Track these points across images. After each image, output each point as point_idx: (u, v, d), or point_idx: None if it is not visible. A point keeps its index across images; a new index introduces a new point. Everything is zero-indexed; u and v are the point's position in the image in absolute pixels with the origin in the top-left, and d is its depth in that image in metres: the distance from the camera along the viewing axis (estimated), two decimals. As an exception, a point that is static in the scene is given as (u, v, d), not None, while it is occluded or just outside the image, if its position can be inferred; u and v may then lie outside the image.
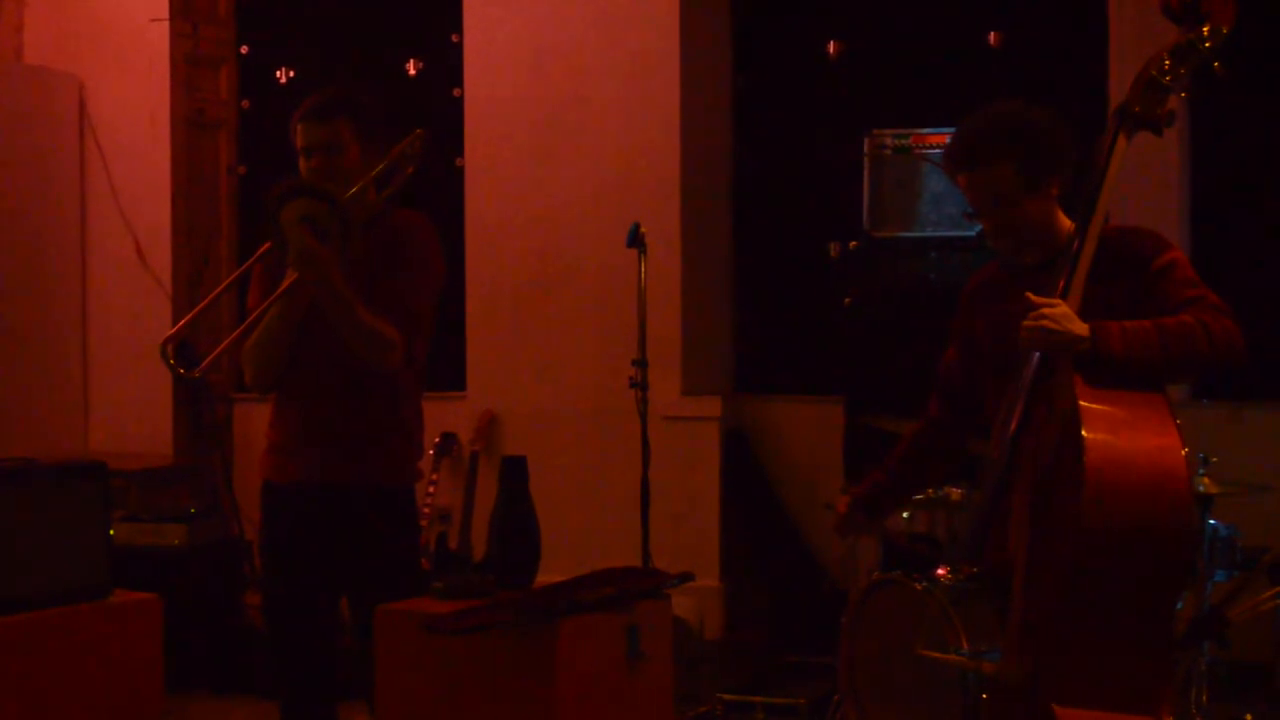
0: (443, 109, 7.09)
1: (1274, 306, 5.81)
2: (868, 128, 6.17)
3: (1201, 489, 4.73)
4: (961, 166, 3.31)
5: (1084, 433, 2.86)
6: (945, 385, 3.63)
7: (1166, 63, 3.08)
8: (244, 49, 7.63)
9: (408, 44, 7.36)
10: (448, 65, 7.18)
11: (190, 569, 6.21)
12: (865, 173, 6.13)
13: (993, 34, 6.55)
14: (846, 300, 6.31)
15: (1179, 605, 3.08)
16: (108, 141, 7.39)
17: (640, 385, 5.29)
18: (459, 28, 7.08)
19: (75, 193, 7.41)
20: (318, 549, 3.84)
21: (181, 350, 3.74)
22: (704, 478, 6.69)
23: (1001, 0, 6.61)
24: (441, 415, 6.64)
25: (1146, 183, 5.83)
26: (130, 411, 7.33)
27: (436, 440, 6.81)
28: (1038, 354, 3.10)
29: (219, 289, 4.09)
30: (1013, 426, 3.16)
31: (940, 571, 3.43)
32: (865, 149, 6.13)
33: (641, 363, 5.32)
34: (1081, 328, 3.00)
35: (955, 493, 5.06)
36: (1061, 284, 3.09)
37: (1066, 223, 3.29)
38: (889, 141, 6.09)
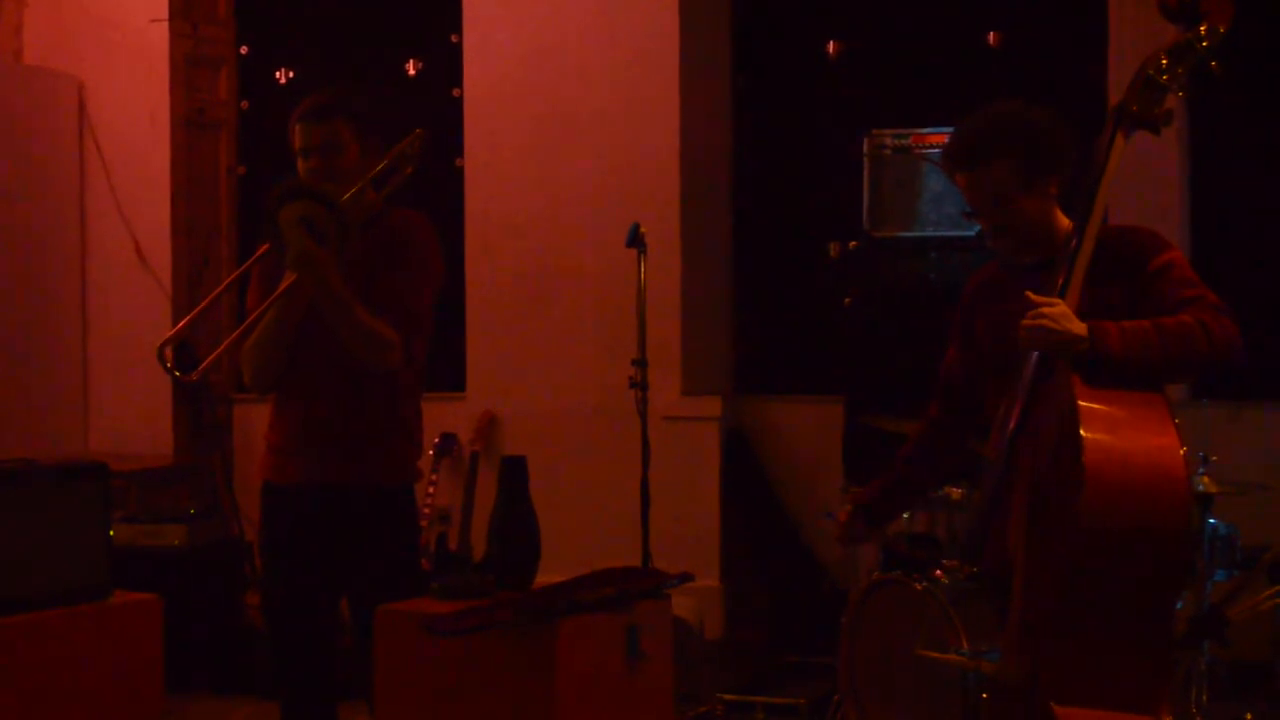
0: (442, 109, 7.09)
1: (1273, 306, 5.82)
2: (867, 127, 6.17)
3: (1201, 488, 4.73)
4: (960, 166, 3.31)
5: (1083, 432, 2.86)
6: (945, 386, 3.63)
7: (1164, 62, 3.08)
8: (244, 49, 7.63)
9: (407, 44, 7.36)
10: (447, 65, 7.18)
11: (190, 569, 6.20)
12: (865, 172, 6.13)
13: (992, 34, 6.55)
14: (846, 300, 6.31)
15: (1179, 605, 3.08)
16: (107, 142, 7.39)
17: (640, 385, 5.29)
18: (458, 28, 7.08)
19: (75, 193, 7.41)
20: (318, 549, 3.84)
21: (181, 351, 3.74)
22: (704, 478, 6.69)
23: (1001, 0, 6.61)
24: (441, 415, 6.64)
25: (1145, 182, 5.83)
26: (130, 412, 7.33)
27: (436, 440, 6.81)
28: (1037, 353, 3.10)
29: (217, 291, 4.09)
30: (1012, 426, 3.16)
31: (943, 566, 3.44)
32: (865, 149, 6.13)
33: (641, 363, 5.32)
34: (1080, 327, 2.99)
35: (955, 492, 5.07)
36: (1060, 283, 3.09)
37: (1065, 222, 3.29)
38: (889, 141, 6.09)
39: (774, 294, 7.00)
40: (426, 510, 6.51)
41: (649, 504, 5.29)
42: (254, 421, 6.87)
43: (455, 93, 7.13)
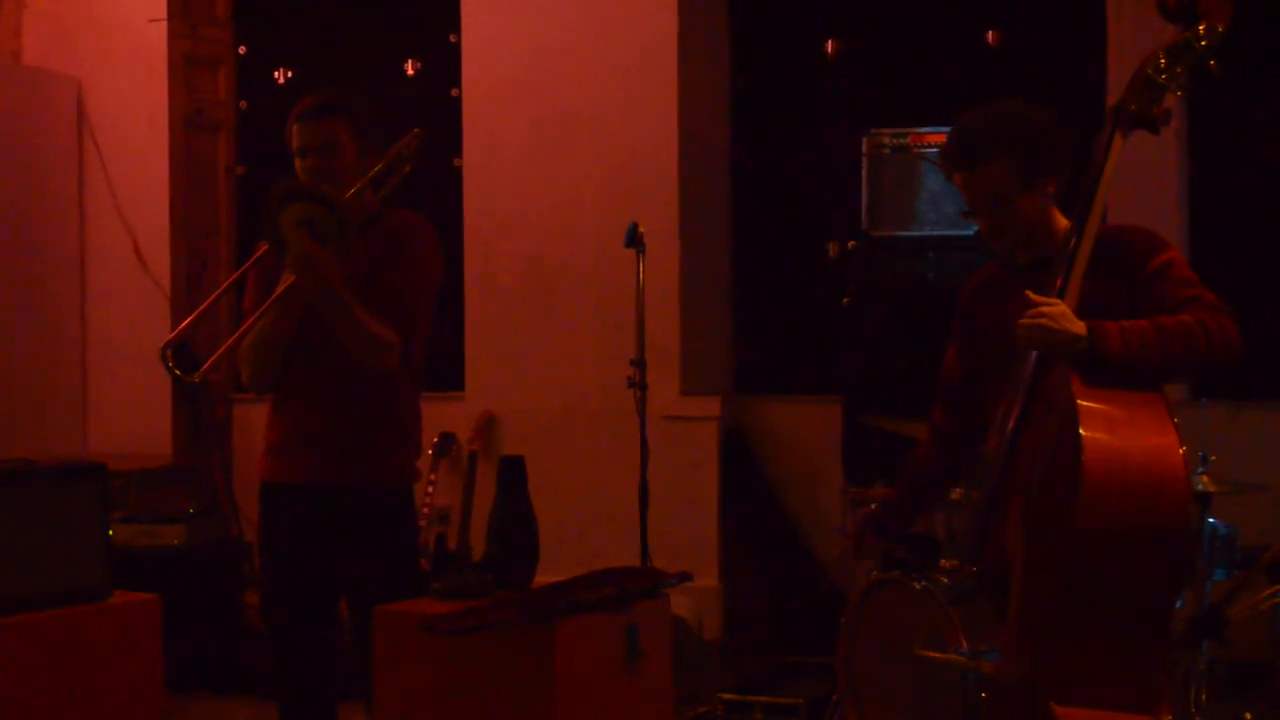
0: (441, 109, 7.09)
1: (1273, 306, 5.82)
2: (866, 127, 6.17)
3: (1201, 487, 4.73)
4: (958, 165, 3.31)
5: (1081, 432, 2.86)
6: (947, 389, 3.62)
7: (1162, 61, 3.08)
8: (242, 49, 7.63)
9: (406, 44, 7.36)
10: (446, 65, 7.18)
11: (190, 569, 6.20)
12: (864, 172, 6.13)
13: (991, 33, 6.55)
14: (845, 300, 6.31)
15: (1178, 604, 3.08)
16: (106, 142, 7.39)
17: (639, 385, 5.29)
18: (457, 28, 7.08)
19: (74, 194, 7.40)
20: (317, 549, 3.84)
21: (181, 352, 3.74)
22: (703, 478, 6.68)
23: (1000, 0, 6.61)
24: (440, 415, 6.64)
25: (1145, 182, 5.83)
26: (130, 412, 7.33)
27: (435, 440, 6.81)
28: (1035, 353, 3.10)
29: (217, 291, 4.10)
30: (1010, 425, 3.16)
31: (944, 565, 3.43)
32: (864, 148, 6.13)
33: (640, 363, 5.32)
34: (1079, 327, 2.99)
35: (955, 492, 5.06)
36: (1059, 283, 3.09)
37: (1063, 222, 3.29)
38: (887, 141, 6.09)
39: (773, 294, 6.99)
40: (425, 510, 6.51)
41: (648, 504, 5.30)
42: (254, 421, 6.86)
43: (454, 93, 7.12)
